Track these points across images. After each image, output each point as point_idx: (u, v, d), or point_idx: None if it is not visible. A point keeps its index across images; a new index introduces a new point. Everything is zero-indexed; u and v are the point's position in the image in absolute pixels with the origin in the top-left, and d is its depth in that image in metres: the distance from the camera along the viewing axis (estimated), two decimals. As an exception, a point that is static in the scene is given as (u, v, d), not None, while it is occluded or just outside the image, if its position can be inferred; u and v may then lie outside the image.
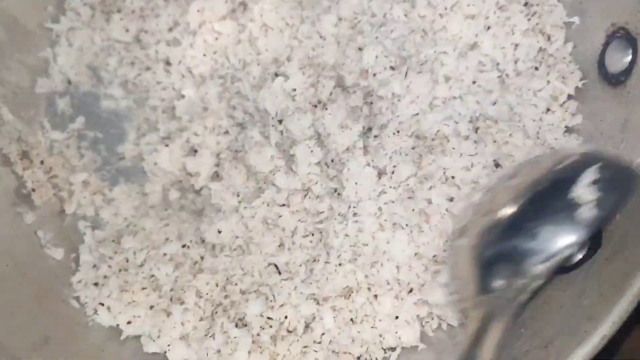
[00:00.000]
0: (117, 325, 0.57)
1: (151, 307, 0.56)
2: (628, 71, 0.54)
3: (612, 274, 0.46)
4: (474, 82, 0.59)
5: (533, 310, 0.51)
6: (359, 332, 0.55)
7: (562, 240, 0.45)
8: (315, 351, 0.54)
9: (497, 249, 0.47)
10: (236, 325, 0.55)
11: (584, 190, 0.45)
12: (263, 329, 0.55)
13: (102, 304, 0.57)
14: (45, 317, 0.55)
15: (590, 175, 0.45)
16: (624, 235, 0.47)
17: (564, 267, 0.52)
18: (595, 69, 0.58)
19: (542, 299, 0.51)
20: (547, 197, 0.46)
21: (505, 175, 0.51)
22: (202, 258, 0.58)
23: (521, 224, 0.46)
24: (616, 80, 0.55)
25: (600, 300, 0.45)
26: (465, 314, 0.49)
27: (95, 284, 0.58)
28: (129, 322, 0.57)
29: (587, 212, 0.44)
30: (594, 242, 0.51)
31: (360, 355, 0.55)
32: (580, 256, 0.51)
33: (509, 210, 0.47)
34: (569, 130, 0.58)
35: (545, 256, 0.45)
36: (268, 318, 0.55)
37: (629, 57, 0.54)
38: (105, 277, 0.58)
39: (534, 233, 0.45)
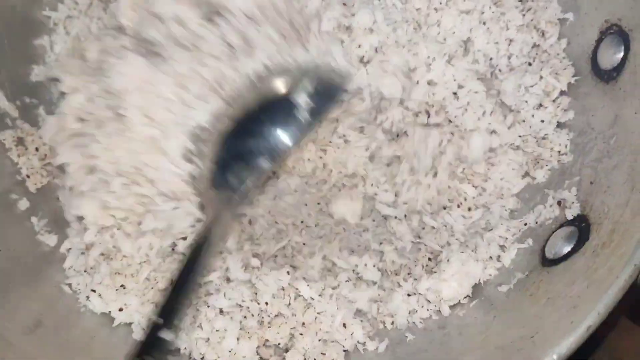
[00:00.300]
0: (109, 312, 0.57)
1: (137, 296, 0.57)
2: (620, 67, 0.54)
3: (599, 267, 0.46)
4: (454, 94, 0.60)
5: (519, 301, 0.51)
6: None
7: (283, 137, 0.56)
8: (301, 334, 0.55)
9: (230, 150, 0.57)
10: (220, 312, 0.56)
11: (302, 97, 0.56)
12: (245, 317, 0.55)
13: (94, 291, 0.57)
14: (38, 302, 0.55)
15: (307, 85, 0.57)
16: (612, 229, 0.48)
17: (553, 260, 0.52)
18: (588, 65, 0.58)
19: (530, 291, 0.51)
20: (272, 104, 0.57)
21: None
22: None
23: (250, 127, 0.57)
24: (608, 76, 0.56)
25: (587, 291, 0.46)
26: (202, 206, 0.58)
27: (86, 271, 0.59)
28: (120, 309, 0.57)
29: (302, 114, 0.56)
30: (581, 235, 0.51)
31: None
32: (568, 249, 0.52)
33: (239, 115, 0.58)
34: (560, 125, 0.59)
35: (269, 151, 0.56)
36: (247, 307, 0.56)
37: (621, 54, 0.54)
38: (93, 266, 0.58)
39: (261, 133, 0.56)
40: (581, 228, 0.52)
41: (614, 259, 0.45)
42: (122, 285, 0.57)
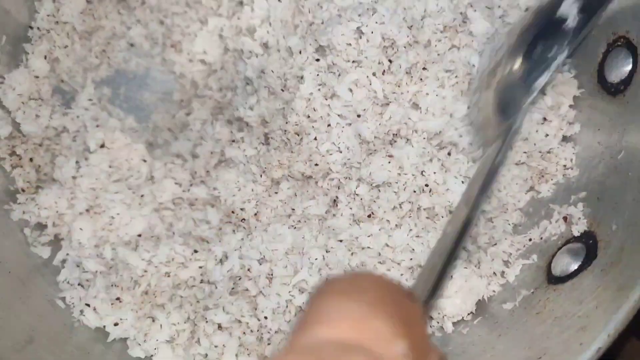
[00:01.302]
0: (104, 327, 0.56)
1: (133, 310, 0.55)
2: (628, 80, 0.53)
3: (607, 286, 0.45)
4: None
5: (525, 319, 0.50)
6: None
7: (556, 49, 0.53)
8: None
9: (509, 78, 0.54)
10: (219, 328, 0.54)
11: (567, 7, 0.52)
12: (245, 333, 0.54)
13: (89, 305, 0.56)
14: (30, 316, 0.54)
15: None
16: (620, 247, 0.47)
17: (560, 277, 0.51)
18: (594, 78, 0.57)
19: (536, 309, 0.50)
20: (540, 24, 0.54)
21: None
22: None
23: (524, 50, 0.53)
24: (615, 89, 0.55)
25: (596, 311, 0.45)
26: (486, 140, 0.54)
27: (81, 284, 0.57)
28: (115, 324, 0.56)
29: (572, 21, 0.52)
30: (589, 252, 0.50)
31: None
32: (575, 266, 0.51)
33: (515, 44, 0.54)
34: (565, 139, 0.58)
35: (544, 66, 0.53)
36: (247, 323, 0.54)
37: (629, 67, 0.53)
38: (89, 278, 0.57)
39: (534, 52, 0.53)
40: (588, 245, 0.51)
41: (623, 278, 0.44)
42: (117, 299, 0.56)
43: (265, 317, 0.54)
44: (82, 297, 0.57)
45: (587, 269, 0.49)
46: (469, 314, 0.55)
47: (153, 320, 0.56)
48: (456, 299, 0.54)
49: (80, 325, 0.56)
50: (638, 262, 0.44)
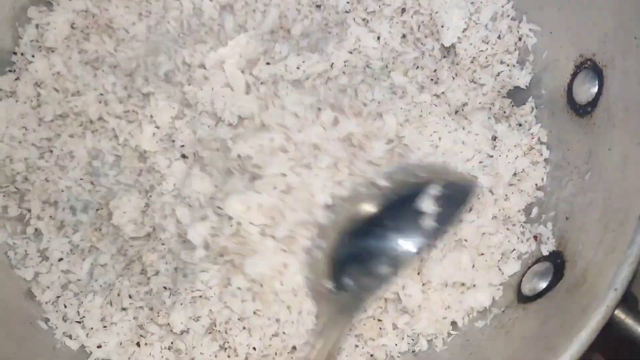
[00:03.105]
0: (86, 348, 0.57)
1: (117, 334, 0.56)
2: (594, 102, 0.55)
3: (571, 306, 0.47)
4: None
5: (495, 339, 0.51)
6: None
7: (406, 244, 0.52)
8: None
9: (349, 250, 0.53)
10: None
11: (427, 203, 0.52)
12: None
13: (80, 322, 0.57)
14: (11, 339, 0.54)
15: (434, 190, 0.53)
16: (585, 267, 0.48)
17: (529, 297, 0.52)
18: (564, 99, 0.59)
19: (505, 329, 0.51)
20: (396, 207, 0.53)
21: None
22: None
23: (372, 230, 0.53)
24: (583, 110, 0.56)
25: (561, 331, 0.46)
26: (319, 307, 0.54)
27: (65, 306, 0.58)
28: (99, 347, 0.56)
29: (428, 221, 0.52)
30: (557, 271, 0.51)
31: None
32: (544, 285, 0.52)
33: (361, 217, 0.54)
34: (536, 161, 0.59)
35: (389, 259, 0.52)
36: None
37: (596, 89, 0.55)
38: (72, 297, 0.58)
39: (382, 238, 0.52)
40: (556, 265, 0.52)
41: (586, 299, 0.45)
42: (102, 319, 0.57)
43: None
44: (66, 318, 0.58)
45: (554, 288, 0.50)
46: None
47: (138, 345, 0.56)
48: (431, 317, 0.55)
49: (62, 347, 0.57)
50: (601, 284, 0.45)
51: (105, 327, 0.57)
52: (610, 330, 0.45)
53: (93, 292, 0.58)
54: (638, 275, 0.45)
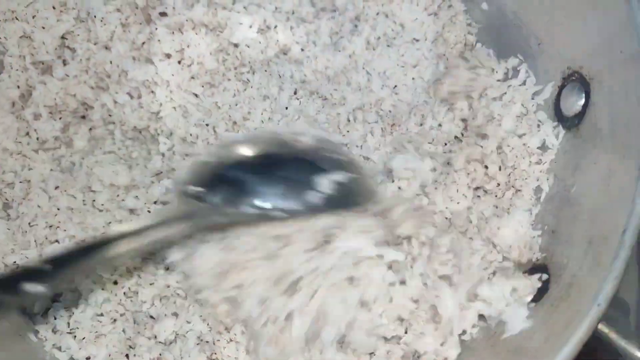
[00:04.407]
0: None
1: (107, 345, 0.56)
2: (581, 115, 0.55)
3: (556, 321, 0.47)
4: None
5: (481, 352, 0.52)
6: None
7: (279, 202, 0.52)
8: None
9: (233, 173, 0.54)
10: None
11: (325, 182, 0.52)
12: None
13: (71, 332, 0.57)
14: (0, 351, 0.55)
15: (341, 176, 0.53)
16: (569, 282, 0.48)
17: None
18: (552, 110, 0.59)
19: (491, 342, 0.52)
20: (298, 164, 0.54)
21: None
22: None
23: (263, 167, 0.54)
24: (570, 123, 0.56)
25: (545, 346, 0.46)
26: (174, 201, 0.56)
27: (56, 318, 0.58)
28: (87, 358, 0.57)
29: (313, 198, 0.52)
30: (542, 285, 0.52)
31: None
32: (529, 298, 0.52)
33: (261, 150, 0.55)
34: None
35: (258, 206, 0.52)
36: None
37: (582, 101, 0.55)
38: (63, 310, 0.58)
39: (265, 182, 0.53)
40: (542, 278, 0.52)
41: (570, 314, 0.46)
42: (88, 335, 0.57)
43: None
44: (56, 329, 0.58)
45: (539, 302, 0.50)
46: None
47: (127, 357, 0.57)
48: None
49: (51, 359, 0.57)
50: (584, 299, 0.45)
51: (95, 338, 0.57)
52: (593, 345, 0.46)
53: (84, 304, 0.58)
54: (625, 283, 0.46)
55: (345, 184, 0.53)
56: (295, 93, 0.62)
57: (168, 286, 0.58)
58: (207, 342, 0.56)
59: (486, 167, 0.58)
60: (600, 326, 0.44)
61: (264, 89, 0.62)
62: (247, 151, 0.55)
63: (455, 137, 0.61)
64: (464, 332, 0.53)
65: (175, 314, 0.57)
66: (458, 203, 0.56)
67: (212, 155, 0.56)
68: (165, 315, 0.56)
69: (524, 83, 0.61)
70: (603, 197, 0.49)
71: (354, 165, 0.57)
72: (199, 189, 0.53)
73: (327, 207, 0.52)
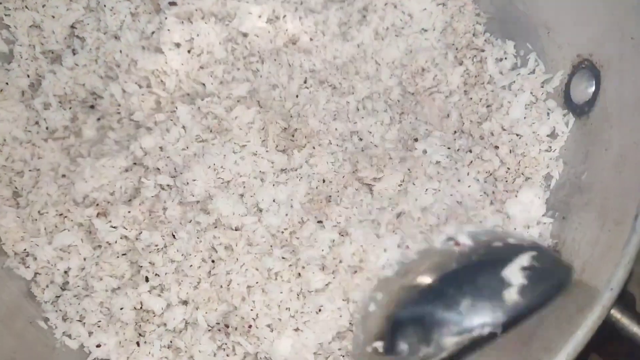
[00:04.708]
0: (85, 348, 0.57)
1: (117, 333, 0.56)
2: (591, 102, 0.55)
3: (568, 306, 0.46)
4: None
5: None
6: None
7: (479, 317, 0.44)
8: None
9: (412, 311, 0.46)
10: None
11: (515, 273, 0.45)
12: None
13: (72, 321, 0.57)
14: (12, 338, 0.55)
15: (524, 260, 0.45)
16: (582, 268, 0.48)
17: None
18: (562, 98, 0.59)
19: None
20: (475, 272, 0.46)
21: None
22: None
23: (443, 291, 0.45)
24: (580, 110, 0.56)
25: (557, 332, 0.46)
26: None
27: (65, 305, 0.58)
28: (98, 346, 0.57)
29: (511, 295, 0.44)
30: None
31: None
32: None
33: (432, 276, 0.47)
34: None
35: (458, 329, 0.44)
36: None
37: (593, 88, 0.55)
38: (72, 302, 0.58)
39: (453, 303, 0.44)
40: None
41: (582, 299, 0.45)
42: (98, 323, 0.57)
43: None
44: (66, 317, 0.58)
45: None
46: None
47: (138, 344, 0.57)
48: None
49: (61, 347, 0.57)
50: (597, 284, 0.45)
51: (105, 326, 0.57)
52: (606, 330, 0.46)
53: (93, 291, 0.58)
54: (634, 274, 0.46)
55: (535, 266, 0.45)
56: (305, 82, 0.62)
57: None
58: (218, 330, 0.56)
59: (496, 147, 0.58)
60: (612, 311, 0.44)
61: (274, 77, 0.62)
62: (424, 280, 0.47)
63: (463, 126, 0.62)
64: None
65: (185, 302, 0.57)
66: (469, 186, 0.56)
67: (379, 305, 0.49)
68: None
69: (533, 72, 0.61)
70: (614, 183, 0.49)
71: (525, 242, 0.49)
72: (382, 344, 0.46)
73: (528, 301, 0.45)
